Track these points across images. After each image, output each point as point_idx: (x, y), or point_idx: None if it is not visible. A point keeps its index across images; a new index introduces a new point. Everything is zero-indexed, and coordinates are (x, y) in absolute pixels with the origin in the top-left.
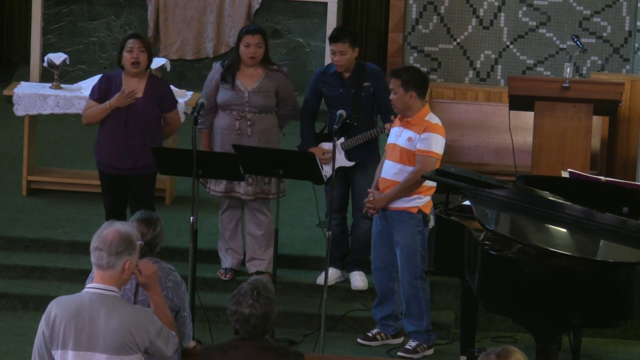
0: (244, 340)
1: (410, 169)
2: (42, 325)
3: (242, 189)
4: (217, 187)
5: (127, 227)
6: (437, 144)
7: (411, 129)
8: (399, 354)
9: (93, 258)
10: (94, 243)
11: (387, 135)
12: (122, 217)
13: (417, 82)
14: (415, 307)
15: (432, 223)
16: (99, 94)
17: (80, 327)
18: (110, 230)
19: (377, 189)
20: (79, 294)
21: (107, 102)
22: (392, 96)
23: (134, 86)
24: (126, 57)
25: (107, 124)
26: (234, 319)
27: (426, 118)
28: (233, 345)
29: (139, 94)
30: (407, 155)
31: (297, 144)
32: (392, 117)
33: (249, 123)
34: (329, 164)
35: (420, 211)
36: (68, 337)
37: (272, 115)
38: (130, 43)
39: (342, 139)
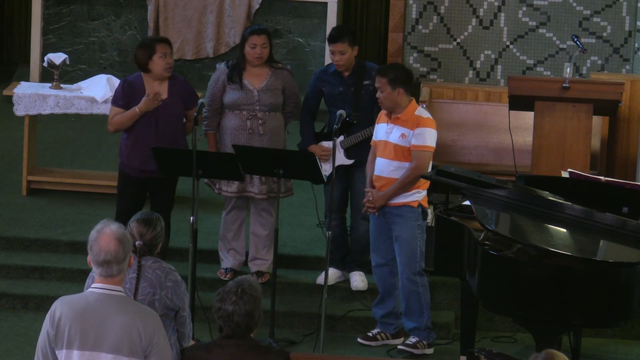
0: (228, 339)
1: (406, 165)
2: (46, 325)
3: (255, 188)
4: (229, 187)
5: (116, 227)
6: (431, 138)
7: (403, 125)
8: (400, 346)
9: (101, 271)
10: (98, 257)
11: None
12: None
13: (404, 79)
14: (415, 303)
15: (430, 217)
16: (124, 100)
17: (87, 326)
18: (107, 238)
19: (372, 186)
20: (83, 293)
21: (136, 108)
22: (379, 94)
23: (157, 88)
24: (160, 62)
25: (137, 129)
26: (218, 316)
27: (416, 113)
28: (217, 344)
29: (164, 95)
30: (401, 152)
31: (297, 143)
32: None
33: (260, 122)
34: (328, 162)
35: (420, 205)
36: (74, 337)
37: (280, 114)
38: (163, 48)
39: (341, 137)
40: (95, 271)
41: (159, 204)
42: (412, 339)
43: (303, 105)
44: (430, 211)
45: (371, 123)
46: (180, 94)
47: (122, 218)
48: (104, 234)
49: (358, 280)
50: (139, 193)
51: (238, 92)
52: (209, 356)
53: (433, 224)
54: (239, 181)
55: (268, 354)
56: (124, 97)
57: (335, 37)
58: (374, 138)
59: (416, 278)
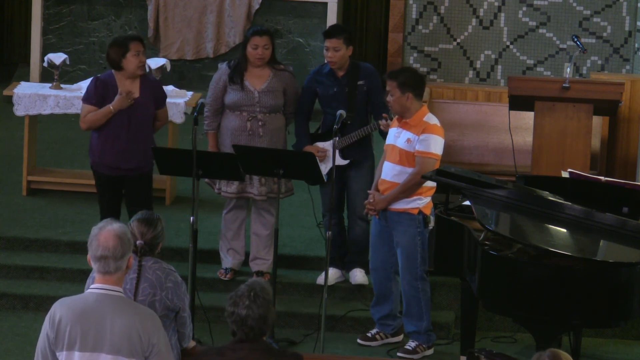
0: (241, 343)
1: (410, 170)
2: (45, 327)
3: (255, 189)
4: (228, 188)
5: (117, 225)
6: (436, 145)
7: (410, 130)
8: (399, 354)
9: (98, 267)
10: (96, 251)
11: (380, 131)
12: (118, 214)
13: (414, 83)
14: (415, 307)
15: (432, 224)
16: (97, 98)
17: (87, 328)
18: (107, 235)
19: (377, 190)
20: (82, 294)
21: (110, 106)
22: (389, 98)
23: (129, 87)
24: (133, 61)
25: (109, 127)
26: (231, 320)
27: (424, 119)
28: (230, 348)
29: (136, 94)
30: (406, 157)
31: (292, 144)
32: (385, 115)
33: (260, 123)
34: (324, 163)
35: (420, 212)
36: (74, 338)
37: (281, 115)
38: (137, 46)
39: (336, 138)
40: (94, 267)
41: (136, 204)
42: (412, 344)
43: (297, 106)
44: (433, 218)
45: (365, 123)
46: (153, 94)
47: (106, 215)
48: (105, 230)
49: (359, 275)
50: (117, 189)
51: (239, 93)
52: (221, 359)
53: (433, 225)
54: (240, 181)
55: (282, 357)
56: (97, 95)
57: (330, 33)
58: (386, 142)
59: (417, 283)
